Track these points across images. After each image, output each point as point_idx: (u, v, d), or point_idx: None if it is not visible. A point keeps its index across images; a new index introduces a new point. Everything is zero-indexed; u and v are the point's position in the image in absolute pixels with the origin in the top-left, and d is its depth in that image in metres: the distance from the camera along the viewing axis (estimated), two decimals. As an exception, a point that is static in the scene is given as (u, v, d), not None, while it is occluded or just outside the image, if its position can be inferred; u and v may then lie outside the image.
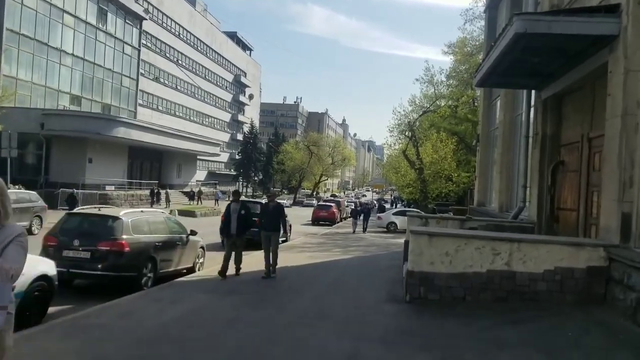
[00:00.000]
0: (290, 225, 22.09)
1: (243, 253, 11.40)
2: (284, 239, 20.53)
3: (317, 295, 9.07)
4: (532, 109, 13.09)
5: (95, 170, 40.45)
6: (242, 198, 26.14)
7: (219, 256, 12.35)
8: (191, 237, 11.95)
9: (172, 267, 11.13)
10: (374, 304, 8.25)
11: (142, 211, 11.33)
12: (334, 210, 38.45)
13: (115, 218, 9.86)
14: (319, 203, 45.34)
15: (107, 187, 40.11)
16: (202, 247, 12.68)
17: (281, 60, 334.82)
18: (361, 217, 30.22)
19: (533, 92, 12.93)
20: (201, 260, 12.63)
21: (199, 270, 12.26)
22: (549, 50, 9.48)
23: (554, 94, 11.63)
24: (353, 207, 36.12)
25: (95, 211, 10.53)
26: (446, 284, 7.93)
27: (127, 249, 9.50)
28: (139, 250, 9.85)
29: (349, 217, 35.93)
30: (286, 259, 14.20)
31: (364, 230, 29.66)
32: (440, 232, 8.47)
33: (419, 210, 31.50)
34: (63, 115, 39.72)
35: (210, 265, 12.18)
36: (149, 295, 9.01)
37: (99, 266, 9.31)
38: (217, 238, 14.49)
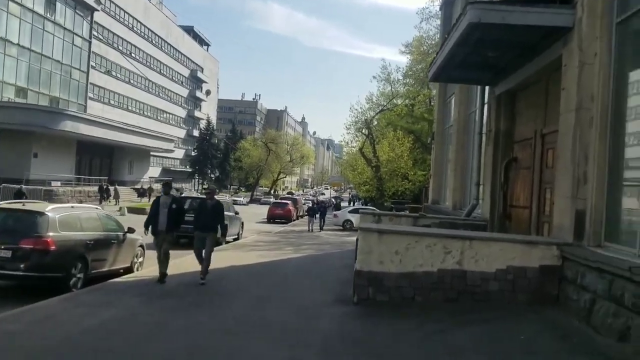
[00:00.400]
0: (242, 223, 21.49)
1: (184, 253, 10.69)
2: (232, 238, 19.87)
3: (260, 298, 8.44)
4: (485, 106, 12.90)
5: (40, 165, 38.74)
6: (194, 194, 25.11)
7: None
8: (130, 235, 11.17)
9: (106, 267, 10.33)
10: (321, 307, 7.72)
11: (72, 207, 10.49)
12: (290, 208, 37.93)
13: (41, 214, 9.00)
14: (275, 200, 44.71)
15: (53, 183, 38.39)
16: (141, 246, 11.88)
17: (240, 57, 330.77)
18: (318, 215, 29.99)
19: (487, 88, 12.74)
20: (140, 259, 11.84)
21: (137, 270, 11.48)
22: (504, 43, 9.21)
23: (507, 90, 11.43)
24: (310, 204, 35.66)
25: (18, 206, 9.65)
26: (396, 284, 7.51)
27: (53, 247, 8.68)
28: (67, 249, 9.03)
29: (306, 215, 35.44)
30: (233, 258, 13.60)
31: (321, 228, 29.37)
32: (391, 229, 8.04)
33: (374, 208, 31.32)
34: (7, 108, 37.85)
35: (151, 265, 11.40)
36: (76, 298, 8.24)
37: (22, 266, 8.47)
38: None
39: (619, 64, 7.04)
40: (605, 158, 7.09)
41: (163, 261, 9.83)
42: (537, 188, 9.81)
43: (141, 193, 47.85)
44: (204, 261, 9.83)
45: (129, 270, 11.17)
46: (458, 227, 11.76)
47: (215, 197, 11.12)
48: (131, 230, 11.23)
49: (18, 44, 41.01)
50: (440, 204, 18.76)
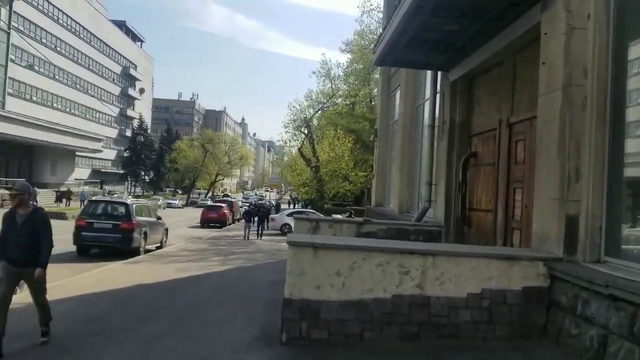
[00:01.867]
0: (166, 230, 19.11)
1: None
2: (155, 246, 17.44)
3: (153, 339, 6.02)
4: (438, 95, 11.30)
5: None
6: (129, 199, 22.04)
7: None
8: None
9: None
10: (236, 352, 5.64)
11: None
12: (225, 211, 35.53)
13: None
14: (209, 203, 42.10)
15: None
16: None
17: (177, 57, 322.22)
18: (256, 220, 26.88)
19: (439, 74, 11.15)
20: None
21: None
22: (465, 11, 7.57)
23: (464, 75, 9.87)
24: (246, 208, 32.49)
25: None
26: (337, 317, 5.61)
27: None
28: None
29: (243, 219, 32.69)
30: (146, 273, 11.36)
31: (259, 235, 25.77)
32: (329, 243, 6.13)
33: (314, 211, 29.44)
34: None
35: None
36: None
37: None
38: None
39: (621, 27, 5.47)
40: (605, 148, 5.51)
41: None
42: (503, 188, 8.23)
43: (58, 197, 43.64)
44: (39, 309, 5.92)
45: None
46: (409, 234, 10.11)
47: (35, 203, 6.89)
48: None
49: None
50: (384, 207, 17.18)
